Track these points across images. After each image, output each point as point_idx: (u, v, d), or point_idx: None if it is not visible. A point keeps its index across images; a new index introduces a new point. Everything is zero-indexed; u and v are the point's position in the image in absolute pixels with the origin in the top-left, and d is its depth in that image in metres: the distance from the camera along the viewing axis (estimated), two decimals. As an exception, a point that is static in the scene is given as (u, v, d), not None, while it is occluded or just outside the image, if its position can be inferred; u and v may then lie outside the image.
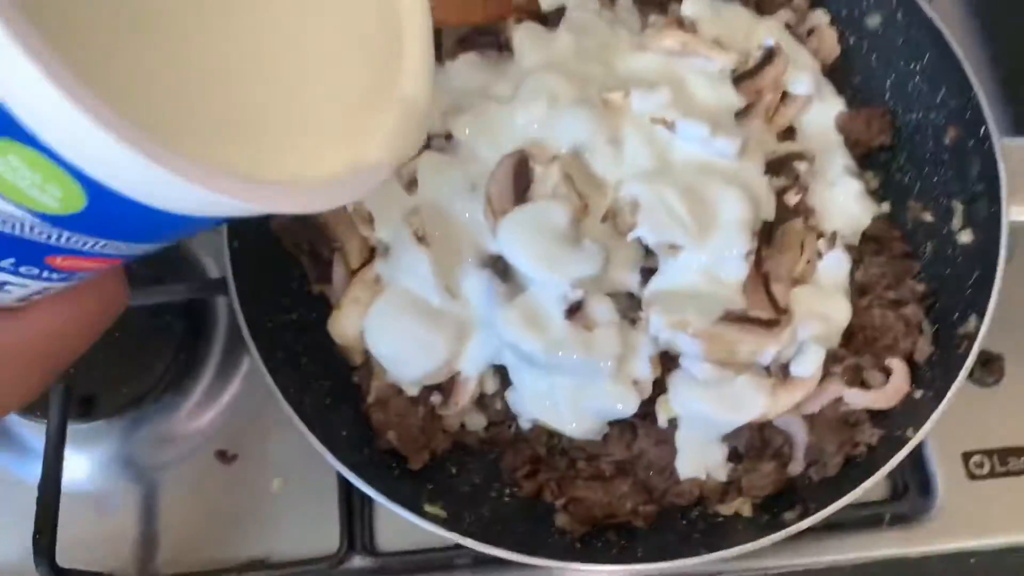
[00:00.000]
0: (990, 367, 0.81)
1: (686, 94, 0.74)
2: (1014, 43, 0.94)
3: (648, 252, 0.70)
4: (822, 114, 0.78)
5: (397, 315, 0.70)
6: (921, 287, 0.73)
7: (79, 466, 0.83)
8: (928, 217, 0.75)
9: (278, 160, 0.32)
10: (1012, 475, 0.79)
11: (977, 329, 0.66)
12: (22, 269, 0.34)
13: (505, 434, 0.72)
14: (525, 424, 0.71)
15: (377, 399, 0.72)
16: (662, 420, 0.69)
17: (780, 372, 0.68)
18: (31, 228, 0.31)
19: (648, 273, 0.69)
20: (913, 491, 0.79)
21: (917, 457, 0.79)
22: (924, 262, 0.75)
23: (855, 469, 0.68)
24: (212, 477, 0.82)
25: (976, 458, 0.80)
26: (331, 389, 0.73)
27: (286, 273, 0.77)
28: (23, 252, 0.33)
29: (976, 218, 0.71)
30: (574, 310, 0.66)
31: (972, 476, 0.79)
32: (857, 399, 0.69)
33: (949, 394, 0.65)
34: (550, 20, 0.80)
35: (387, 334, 0.70)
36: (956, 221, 0.73)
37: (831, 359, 0.69)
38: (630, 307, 0.70)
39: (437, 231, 0.72)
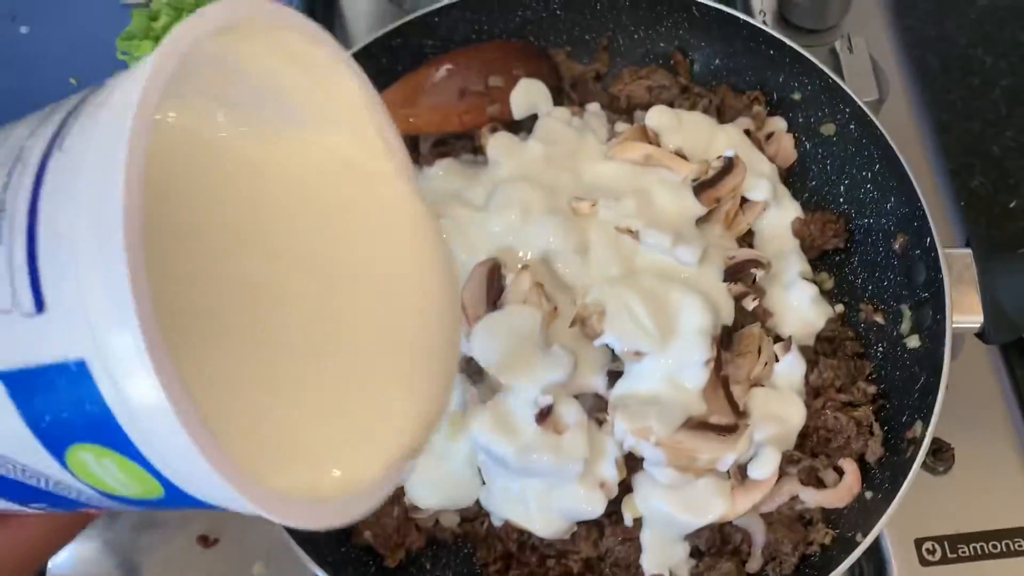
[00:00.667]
0: (941, 456, 0.85)
1: (650, 203, 0.78)
2: (962, 146, 0.99)
3: (615, 355, 0.74)
4: (779, 219, 0.82)
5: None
6: (872, 389, 0.76)
7: (62, 551, 0.84)
8: (879, 319, 0.80)
9: (329, 480, 0.35)
10: (962, 561, 0.83)
11: (923, 435, 0.70)
12: (49, 509, 0.36)
13: (478, 530, 0.75)
14: (497, 521, 0.74)
15: (355, 497, 0.74)
16: (627, 519, 0.72)
17: (738, 474, 0.71)
18: (89, 498, 0.33)
19: (615, 375, 0.73)
20: (869, 577, 0.83)
21: (873, 544, 0.83)
22: (876, 363, 0.79)
23: (810, 568, 0.71)
24: (194, 561, 0.84)
25: (928, 544, 0.83)
26: (310, 486, 0.75)
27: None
28: (64, 504, 0.34)
29: (922, 325, 0.75)
30: (544, 415, 0.70)
31: (924, 562, 0.83)
32: (812, 498, 0.73)
33: (896, 499, 0.68)
34: (523, 126, 0.85)
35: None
36: (904, 326, 0.77)
37: (787, 460, 0.73)
38: (597, 406, 0.73)
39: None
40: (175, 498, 0.31)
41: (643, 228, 0.75)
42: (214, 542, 0.85)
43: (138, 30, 0.93)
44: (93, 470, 0.30)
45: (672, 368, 0.71)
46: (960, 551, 0.83)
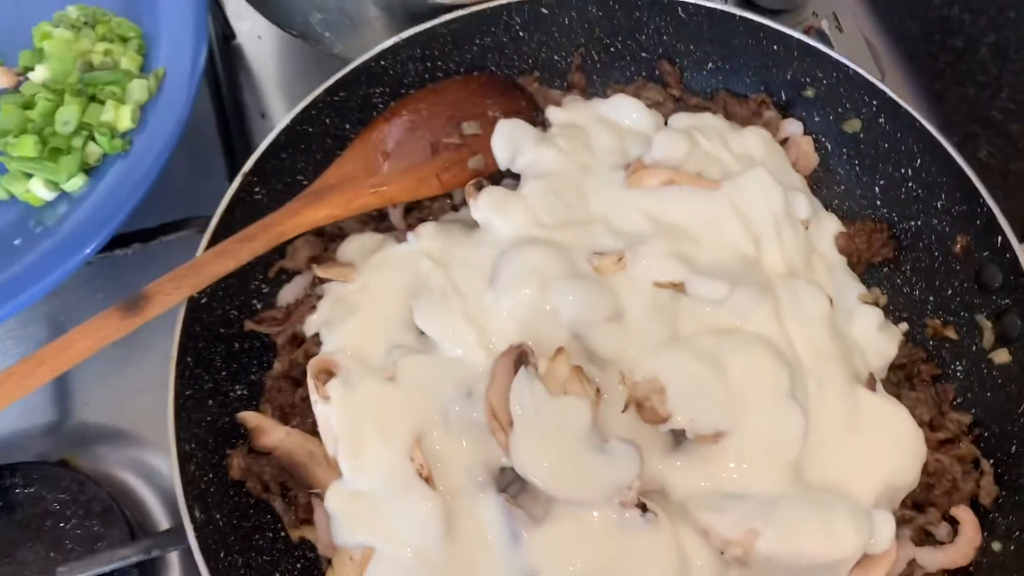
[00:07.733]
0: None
1: (687, 242, 0.66)
2: (961, 115, 0.91)
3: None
4: (820, 236, 0.71)
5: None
6: (966, 418, 0.67)
7: None
8: (951, 334, 0.70)
9: None
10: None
11: (1046, 468, 0.60)
12: None
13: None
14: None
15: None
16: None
17: (853, 553, 0.60)
18: None
19: (689, 465, 0.61)
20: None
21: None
22: (958, 385, 0.69)
23: (949, 645, 0.61)
24: None
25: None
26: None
27: (258, 522, 0.65)
28: None
29: (1010, 336, 0.66)
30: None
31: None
32: (931, 559, 0.63)
33: (1038, 551, 0.59)
34: (511, 175, 0.72)
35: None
36: (987, 339, 0.67)
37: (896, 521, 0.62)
38: (670, 505, 0.61)
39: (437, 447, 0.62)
40: None
41: (689, 277, 0.64)
42: None
43: (11, 124, 0.75)
44: None
45: (762, 447, 0.59)
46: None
